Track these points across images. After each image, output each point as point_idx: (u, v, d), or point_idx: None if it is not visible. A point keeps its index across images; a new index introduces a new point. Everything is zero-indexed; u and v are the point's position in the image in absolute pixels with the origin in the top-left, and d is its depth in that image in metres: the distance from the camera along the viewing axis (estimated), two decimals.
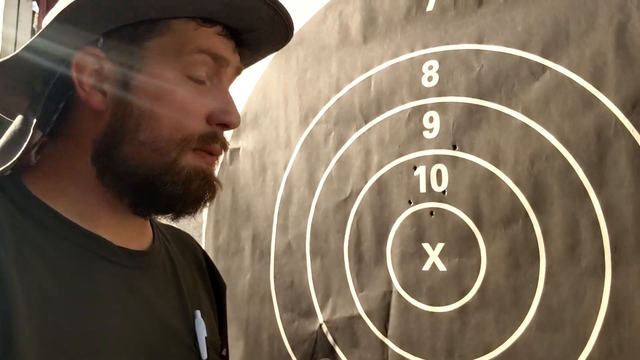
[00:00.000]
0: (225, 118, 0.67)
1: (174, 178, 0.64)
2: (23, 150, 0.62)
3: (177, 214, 0.69)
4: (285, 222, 1.32)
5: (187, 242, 0.88)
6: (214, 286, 0.87)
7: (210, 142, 0.67)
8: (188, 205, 0.68)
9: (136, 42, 0.64)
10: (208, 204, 0.69)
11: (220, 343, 0.81)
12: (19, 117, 0.67)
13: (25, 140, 0.62)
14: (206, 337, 0.73)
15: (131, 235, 0.70)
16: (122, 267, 0.66)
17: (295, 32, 0.77)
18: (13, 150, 0.63)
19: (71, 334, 0.57)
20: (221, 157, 0.72)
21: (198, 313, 0.74)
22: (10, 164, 0.62)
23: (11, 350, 0.52)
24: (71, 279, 0.60)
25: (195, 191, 0.66)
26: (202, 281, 0.85)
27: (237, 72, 0.72)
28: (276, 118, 1.37)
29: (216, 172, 0.73)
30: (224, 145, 0.70)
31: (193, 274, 0.82)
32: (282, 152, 1.35)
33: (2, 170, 0.62)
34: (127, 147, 0.64)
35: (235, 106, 0.69)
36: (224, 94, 0.69)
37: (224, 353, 0.82)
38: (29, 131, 0.63)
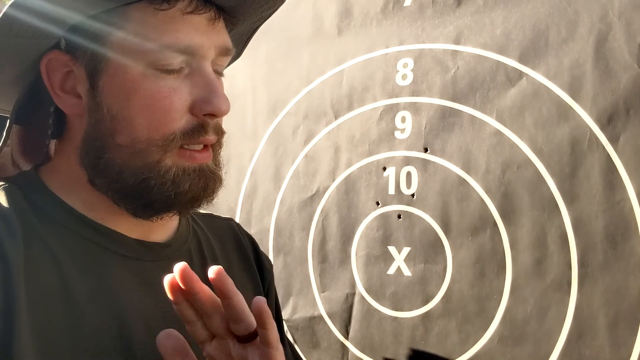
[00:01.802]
0: (208, 107, 0.60)
1: (161, 180, 0.60)
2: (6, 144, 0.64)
3: (181, 212, 0.65)
4: (248, 216, 1.28)
5: (228, 229, 0.84)
6: (259, 270, 0.83)
7: (197, 136, 0.61)
8: (186, 204, 0.63)
9: (98, 39, 0.59)
10: (213, 195, 0.65)
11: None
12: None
13: (5, 139, 0.63)
14: None
15: (149, 228, 0.67)
16: (138, 262, 0.64)
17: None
18: None
19: (73, 335, 0.55)
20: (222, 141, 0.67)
21: None
22: None
23: (12, 348, 0.51)
24: (78, 277, 0.58)
25: (189, 191, 0.61)
26: (246, 269, 0.81)
27: (222, 48, 0.64)
28: (243, 107, 1.32)
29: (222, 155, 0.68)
30: (219, 132, 0.64)
31: (231, 263, 0.78)
32: (249, 143, 1.30)
33: None
34: (107, 153, 0.60)
35: (219, 90, 0.61)
36: (205, 79, 0.61)
37: None
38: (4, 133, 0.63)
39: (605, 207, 0.87)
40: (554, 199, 0.91)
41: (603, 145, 0.88)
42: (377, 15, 1.14)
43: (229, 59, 0.66)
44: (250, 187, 1.29)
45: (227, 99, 0.62)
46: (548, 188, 0.92)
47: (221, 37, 0.63)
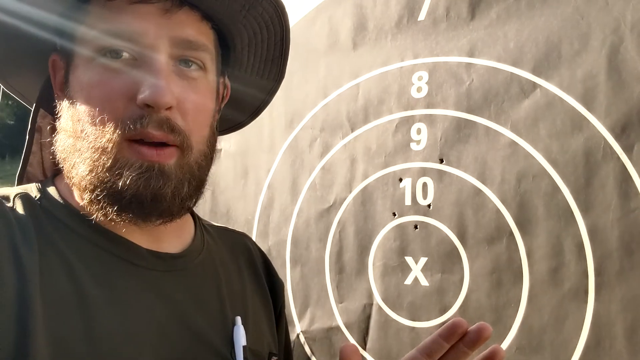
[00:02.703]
0: (141, 95, 0.57)
1: (106, 173, 0.58)
2: (32, 151, 0.65)
3: (133, 213, 0.60)
4: (265, 228, 1.30)
5: (240, 244, 0.82)
6: (270, 286, 0.82)
7: (139, 127, 0.57)
8: (129, 204, 0.59)
9: (68, 36, 0.62)
10: (174, 201, 0.60)
11: (268, 351, 0.75)
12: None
13: (31, 138, 0.64)
14: (245, 346, 0.68)
15: (160, 237, 0.66)
16: (150, 271, 0.63)
17: None
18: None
19: (87, 341, 0.55)
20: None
21: (238, 319, 0.69)
22: (22, 167, 0.64)
23: (28, 356, 0.51)
24: (91, 284, 0.58)
25: (128, 188, 0.57)
26: (256, 284, 0.80)
27: (179, 39, 0.61)
28: (261, 121, 1.33)
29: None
30: (169, 128, 0.59)
31: (242, 277, 0.77)
32: (266, 155, 1.33)
33: (20, 172, 0.65)
34: (75, 147, 0.61)
35: (159, 80, 0.58)
36: (149, 68, 0.58)
37: None
38: (34, 127, 0.64)
39: (620, 216, 0.87)
40: (570, 208, 0.92)
41: (617, 155, 0.89)
42: (392, 30, 1.16)
43: (201, 53, 0.63)
44: (268, 200, 1.31)
45: (168, 90, 0.58)
46: (563, 197, 0.93)
47: (178, 28, 0.61)
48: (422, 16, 1.12)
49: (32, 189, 0.63)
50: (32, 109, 0.69)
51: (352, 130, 1.19)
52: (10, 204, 0.60)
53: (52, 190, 0.64)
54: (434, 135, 1.08)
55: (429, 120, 1.09)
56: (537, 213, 0.95)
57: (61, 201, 0.63)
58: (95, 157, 0.58)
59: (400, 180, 1.11)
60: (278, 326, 0.82)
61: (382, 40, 1.18)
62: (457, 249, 1.02)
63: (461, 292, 1.01)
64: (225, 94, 0.75)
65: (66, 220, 0.61)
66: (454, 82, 1.06)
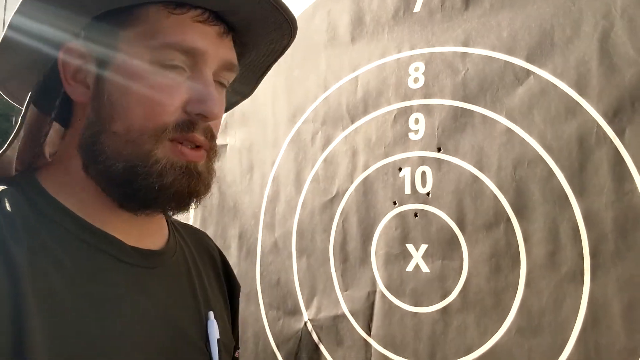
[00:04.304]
0: (201, 107, 0.63)
1: (147, 171, 0.62)
2: (18, 136, 0.63)
3: (164, 209, 0.67)
4: (272, 220, 1.33)
5: (203, 242, 0.87)
6: (228, 286, 0.86)
7: (187, 131, 0.63)
8: (169, 200, 0.64)
9: (112, 33, 0.64)
10: (197, 199, 0.66)
11: (233, 344, 0.80)
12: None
13: (22, 124, 0.63)
14: (218, 339, 0.72)
15: (144, 234, 0.69)
16: (134, 267, 0.66)
17: None
18: (15, 136, 0.65)
19: (81, 337, 0.57)
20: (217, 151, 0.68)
21: (211, 314, 0.73)
22: (5, 148, 0.63)
23: (23, 354, 0.52)
24: (81, 281, 0.60)
25: (172, 185, 0.62)
26: (217, 281, 0.83)
27: (226, 62, 0.67)
28: (264, 116, 1.37)
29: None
30: (210, 136, 0.65)
31: (208, 274, 0.81)
32: (270, 150, 1.35)
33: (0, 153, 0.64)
34: (103, 139, 0.63)
35: (214, 94, 0.64)
36: (202, 82, 0.64)
37: (236, 355, 0.81)
38: (25, 116, 0.64)
39: (614, 199, 0.89)
40: (565, 193, 0.94)
41: (610, 139, 0.90)
42: (389, 22, 1.18)
43: (233, 75, 0.69)
44: (273, 193, 1.34)
45: (220, 104, 0.65)
46: (558, 182, 0.94)
47: (227, 51, 0.67)
48: (417, 8, 1.14)
49: (18, 184, 0.64)
50: (25, 103, 0.67)
51: (352, 122, 1.21)
52: None
53: (36, 184, 0.65)
54: (432, 124, 1.10)
55: (426, 110, 1.11)
56: (533, 198, 0.97)
57: (46, 196, 0.64)
58: (141, 155, 0.62)
59: (400, 169, 1.13)
60: (234, 328, 0.86)
61: (379, 33, 1.20)
62: (456, 235, 1.04)
63: (461, 278, 1.03)
64: None
65: (52, 215, 0.62)
66: (450, 72, 1.08)
